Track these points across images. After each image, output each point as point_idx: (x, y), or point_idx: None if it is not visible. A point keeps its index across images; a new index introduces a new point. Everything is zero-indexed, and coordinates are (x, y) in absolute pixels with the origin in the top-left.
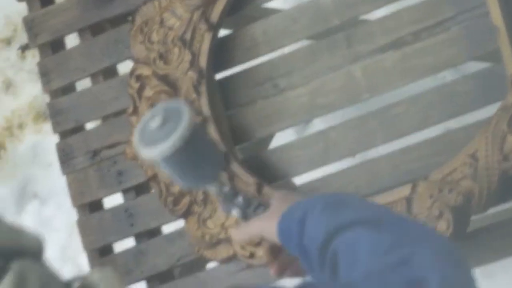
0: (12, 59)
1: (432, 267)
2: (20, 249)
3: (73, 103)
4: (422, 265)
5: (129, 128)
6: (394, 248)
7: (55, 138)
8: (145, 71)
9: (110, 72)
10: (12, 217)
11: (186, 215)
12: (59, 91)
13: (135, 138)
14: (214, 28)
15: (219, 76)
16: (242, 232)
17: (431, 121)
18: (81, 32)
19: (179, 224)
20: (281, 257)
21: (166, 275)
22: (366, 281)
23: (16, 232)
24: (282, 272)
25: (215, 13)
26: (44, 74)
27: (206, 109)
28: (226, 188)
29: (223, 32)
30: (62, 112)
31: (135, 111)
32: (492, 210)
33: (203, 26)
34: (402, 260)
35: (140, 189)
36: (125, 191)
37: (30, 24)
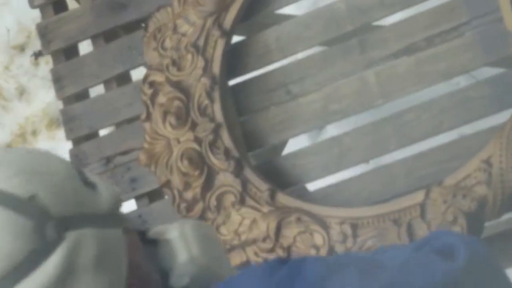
0: (26, 65)
1: (458, 239)
2: (84, 214)
3: (87, 109)
4: (448, 237)
5: (143, 135)
6: (417, 241)
7: (68, 145)
8: (158, 77)
9: (123, 79)
10: None
11: None
12: (73, 97)
13: None
14: (227, 34)
15: (232, 82)
16: None
17: (445, 127)
18: (94, 38)
19: None
20: None
21: None
22: (401, 265)
23: (85, 195)
24: None
25: (228, 20)
26: (58, 80)
27: (219, 116)
28: None
29: (236, 39)
30: (75, 119)
31: (149, 117)
32: (506, 216)
33: (216, 33)
34: (428, 240)
35: (153, 196)
36: (138, 198)
37: (43, 31)
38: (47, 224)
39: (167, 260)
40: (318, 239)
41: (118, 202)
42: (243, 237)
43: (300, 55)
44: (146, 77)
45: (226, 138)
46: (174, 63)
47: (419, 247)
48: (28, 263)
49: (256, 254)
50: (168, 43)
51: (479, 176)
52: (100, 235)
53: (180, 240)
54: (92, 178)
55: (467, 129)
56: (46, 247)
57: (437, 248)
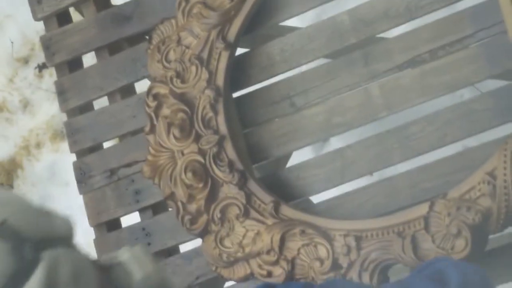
0: (30, 78)
1: (450, 264)
2: (51, 237)
3: (90, 122)
4: (441, 263)
5: (147, 147)
6: (414, 269)
7: (72, 157)
8: (162, 89)
9: (127, 91)
10: None
11: (203, 234)
12: (76, 110)
13: None
14: (231, 46)
15: (236, 94)
16: None
17: (449, 139)
18: (98, 51)
19: (197, 243)
20: None
21: None
22: (395, 284)
23: (47, 220)
24: None
25: (232, 32)
26: (61, 93)
27: (223, 128)
28: None
29: (240, 51)
30: (79, 131)
31: (152, 129)
32: (510, 229)
33: (220, 45)
34: (422, 268)
35: (157, 208)
36: (142, 210)
37: (47, 43)
38: (23, 246)
39: (123, 282)
40: (322, 251)
41: (73, 228)
42: (247, 250)
43: (304, 67)
44: (150, 90)
45: (230, 151)
46: (178, 75)
47: (418, 271)
48: (11, 285)
49: (260, 266)
50: (172, 55)
51: (483, 189)
52: (71, 255)
53: (133, 260)
54: (44, 208)
55: (472, 142)
56: (26, 267)
57: (429, 275)
